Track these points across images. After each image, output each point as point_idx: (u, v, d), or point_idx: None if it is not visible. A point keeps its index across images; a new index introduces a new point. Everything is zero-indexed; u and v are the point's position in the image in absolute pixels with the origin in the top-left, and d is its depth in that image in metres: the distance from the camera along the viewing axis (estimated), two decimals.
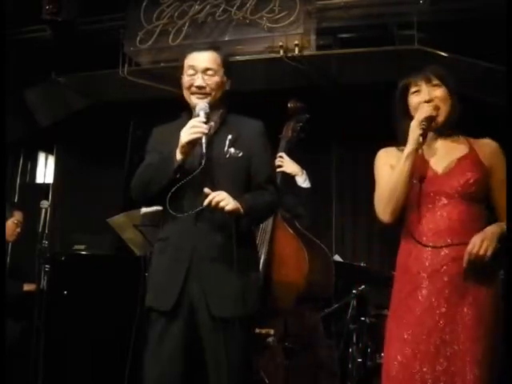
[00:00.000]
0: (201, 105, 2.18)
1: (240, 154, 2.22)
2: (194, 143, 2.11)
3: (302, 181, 3.08)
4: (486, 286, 1.94)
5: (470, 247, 1.87)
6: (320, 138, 4.46)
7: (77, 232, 5.35)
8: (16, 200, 5.94)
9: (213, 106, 2.25)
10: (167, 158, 2.17)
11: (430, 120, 1.98)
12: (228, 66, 2.33)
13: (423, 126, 1.96)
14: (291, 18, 4.20)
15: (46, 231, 3.82)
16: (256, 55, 4.33)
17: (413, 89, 2.06)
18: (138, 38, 4.60)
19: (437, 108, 2.01)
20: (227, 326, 2.09)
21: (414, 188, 2.01)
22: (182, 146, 2.11)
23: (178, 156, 2.12)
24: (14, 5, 4.37)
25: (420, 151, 2.02)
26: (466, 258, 1.88)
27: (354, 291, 3.63)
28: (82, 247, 4.79)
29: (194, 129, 2.11)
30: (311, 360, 2.93)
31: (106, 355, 4.05)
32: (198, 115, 2.16)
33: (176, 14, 4.50)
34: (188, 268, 2.13)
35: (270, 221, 2.95)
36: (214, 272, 2.12)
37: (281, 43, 4.24)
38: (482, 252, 1.85)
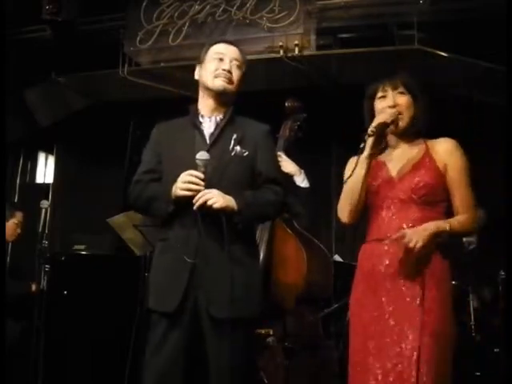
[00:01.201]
0: (201, 154, 2.10)
1: (245, 154, 2.21)
2: (187, 198, 2.09)
3: (301, 180, 3.07)
4: (436, 287, 1.99)
5: (398, 234, 1.95)
6: (320, 138, 4.46)
7: (77, 232, 5.36)
8: (16, 200, 5.94)
9: (226, 100, 2.26)
10: (162, 196, 2.16)
11: (383, 126, 2.05)
12: (245, 69, 2.34)
13: (373, 132, 2.03)
14: (291, 18, 4.20)
15: (46, 231, 3.83)
16: (256, 55, 4.32)
17: (379, 94, 2.15)
18: (138, 38, 4.60)
19: (399, 114, 2.08)
20: (229, 328, 2.08)
21: (374, 191, 2.11)
22: (176, 197, 2.11)
23: (172, 204, 2.13)
24: (14, 5, 4.37)
25: (380, 156, 2.13)
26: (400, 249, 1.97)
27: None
28: (82, 247, 4.79)
29: (189, 185, 2.08)
30: (311, 360, 2.92)
31: (106, 355, 4.05)
32: (198, 165, 2.10)
33: (176, 14, 4.50)
34: (191, 269, 2.11)
35: (269, 221, 2.94)
36: (215, 273, 2.11)
37: (281, 43, 4.24)
38: (411, 245, 1.92)
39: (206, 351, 2.12)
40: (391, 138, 2.16)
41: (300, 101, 3.20)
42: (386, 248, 2.05)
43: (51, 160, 6.37)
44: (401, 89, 2.11)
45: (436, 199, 2.05)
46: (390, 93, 2.12)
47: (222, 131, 2.23)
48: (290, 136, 3.16)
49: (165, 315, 2.13)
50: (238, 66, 2.27)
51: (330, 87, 4.71)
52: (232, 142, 2.21)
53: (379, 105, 2.13)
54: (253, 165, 2.23)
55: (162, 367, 2.12)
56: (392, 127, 2.08)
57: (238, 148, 2.20)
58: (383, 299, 2.02)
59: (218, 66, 2.24)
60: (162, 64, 4.66)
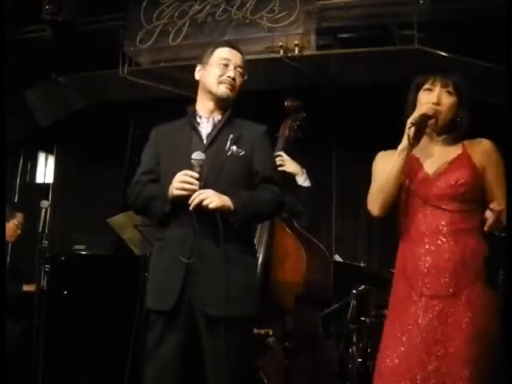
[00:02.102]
0: (197, 154, 2.12)
1: (242, 153, 2.23)
2: (182, 198, 2.11)
3: (303, 180, 3.07)
4: (480, 287, 1.96)
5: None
6: (320, 138, 4.46)
7: (77, 232, 5.36)
8: (16, 200, 5.94)
9: (226, 104, 2.29)
10: (159, 196, 2.18)
11: (425, 118, 2.00)
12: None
13: (415, 122, 1.97)
14: (291, 18, 4.19)
15: (46, 231, 3.81)
16: (256, 55, 4.32)
17: (426, 86, 2.08)
18: (138, 38, 4.59)
19: (440, 113, 2.03)
20: (225, 327, 2.08)
21: (406, 190, 2.05)
22: (172, 197, 2.12)
23: (168, 204, 2.15)
24: (14, 5, 4.37)
25: (415, 153, 2.06)
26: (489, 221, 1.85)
27: (353, 291, 3.62)
28: (82, 247, 4.79)
29: (184, 185, 2.10)
30: (311, 360, 2.92)
31: (106, 355, 4.05)
32: (193, 165, 2.11)
33: (176, 14, 4.50)
34: (187, 268, 2.13)
35: (268, 220, 2.94)
36: (211, 272, 2.12)
37: (281, 43, 4.24)
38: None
39: (202, 350, 2.13)
40: (427, 136, 2.09)
41: (299, 100, 3.20)
42: (426, 247, 2.00)
43: (51, 160, 6.36)
44: (450, 88, 2.05)
45: (474, 198, 2.00)
46: (437, 88, 2.06)
47: (219, 132, 2.26)
48: (290, 135, 3.16)
49: (162, 314, 2.15)
50: (241, 74, 2.31)
51: (330, 87, 4.70)
52: (228, 142, 2.23)
53: (423, 97, 2.07)
54: (249, 165, 2.25)
55: (160, 366, 2.14)
56: (432, 122, 2.02)
57: (234, 148, 2.22)
58: (425, 300, 1.96)
59: (223, 71, 2.27)
60: (162, 64, 4.65)
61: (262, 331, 2.89)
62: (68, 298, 4.22)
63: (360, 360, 3.53)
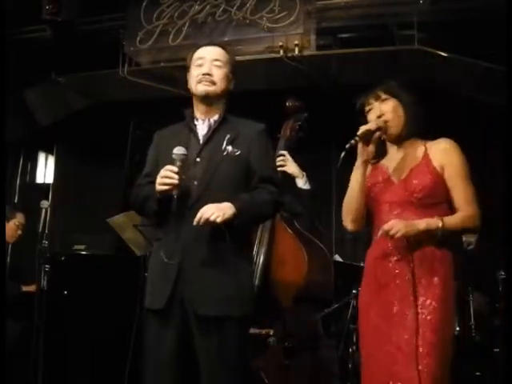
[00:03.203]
0: (178, 149, 2.13)
1: (238, 153, 2.22)
2: (166, 193, 2.12)
3: (303, 183, 3.07)
4: (436, 283, 2.02)
5: (385, 225, 2.00)
6: (320, 138, 4.46)
7: (77, 232, 5.36)
8: (16, 200, 5.94)
9: (215, 101, 2.28)
10: (150, 195, 2.20)
11: (367, 134, 2.11)
12: (234, 66, 2.35)
13: (355, 141, 2.11)
14: (291, 18, 4.19)
15: (46, 231, 3.81)
16: (256, 55, 4.33)
17: (367, 108, 2.21)
18: (138, 38, 4.60)
19: (386, 122, 2.13)
20: (218, 326, 2.10)
21: (375, 196, 2.16)
22: (158, 193, 2.14)
23: (155, 202, 2.18)
24: (14, 5, 4.37)
25: (385, 162, 2.19)
26: (379, 232, 2.02)
27: (353, 291, 3.62)
28: (82, 247, 4.80)
29: (165, 180, 2.11)
30: (311, 360, 2.92)
31: (106, 355, 4.05)
32: (174, 159, 2.12)
33: (176, 14, 4.50)
34: (179, 267, 2.13)
35: (269, 221, 2.94)
36: (203, 271, 2.12)
37: (281, 43, 4.24)
38: (392, 232, 1.98)
39: (196, 349, 2.13)
40: (390, 144, 2.20)
41: (301, 100, 3.20)
42: (390, 247, 2.07)
43: (51, 160, 6.37)
44: (384, 96, 2.16)
45: (436, 201, 2.07)
46: (375, 104, 2.17)
47: (214, 132, 2.26)
48: (292, 136, 3.16)
49: (155, 313, 2.17)
50: (219, 66, 2.28)
51: (330, 87, 4.70)
52: (225, 142, 2.23)
53: (369, 117, 2.19)
54: (246, 164, 2.24)
55: (156, 365, 2.15)
56: (380, 134, 2.13)
57: (229, 148, 2.22)
58: (389, 299, 2.05)
59: (199, 71, 2.27)
60: (162, 64, 4.66)
61: (263, 331, 2.89)
62: (68, 298, 4.22)
63: (360, 360, 3.53)
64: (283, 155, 3.07)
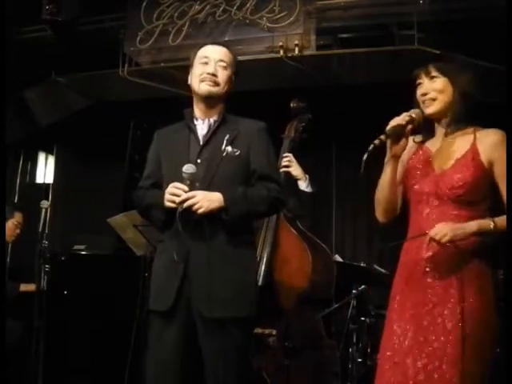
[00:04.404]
0: (187, 168, 2.12)
1: (237, 153, 2.22)
2: (173, 208, 2.12)
3: (305, 186, 3.08)
4: (474, 292, 1.92)
5: (431, 232, 1.89)
6: (320, 139, 4.46)
7: (77, 232, 5.36)
8: (16, 200, 5.93)
9: (216, 101, 2.28)
10: (155, 203, 2.20)
11: (397, 129, 1.97)
12: (237, 67, 2.34)
13: (384, 137, 1.95)
14: (291, 18, 4.19)
15: (46, 231, 3.81)
16: (256, 55, 4.32)
17: (417, 81, 2.06)
18: (138, 38, 4.59)
19: (433, 99, 2.00)
20: (222, 327, 2.10)
21: (414, 184, 2.03)
22: (165, 206, 2.14)
23: (164, 213, 2.18)
24: (14, 5, 4.36)
25: (432, 148, 2.04)
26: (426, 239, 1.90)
27: (353, 291, 3.63)
28: (82, 247, 4.79)
29: (174, 197, 2.11)
30: (312, 360, 2.93)
31: (106, 355, 4.05)
32: (183, 178, 2.12)
33: (176, 14, 4.50)
34: (184, 269, 2.13)
35: (273, 221, 2.95)
36: (207, 272, 2.12)
37: (281, 43, 4.24)
38: (437, 237, 1.86)
39: (200, 350, 2.14)
40: (438, 126, 2.06)
41: (305, 101, 3.20)
42: (425, 245, 1.94)
43: (51, 160, 6.36)
44: (434, 73, 2.00)
45: (477, 198, 1.95)
46: (424, 80, 2.02)
47: (214, 132, 2.26)
48: (296, 136, 3.17)
49: (160, 314, 2.16)
50: (224, 67, 2.27)
51: (330, 87, 4.70)
52: (224, 142, 2.23)
53: (417, 93, 2.05)
54: (246, 164, 2.25)
55: (159, 366, 2.15)
56: (413, 126, 2.00)
57: (229, 148, 2.22)
58: (421, 298, 1.95)
59: (203, 70, 2.26)
60: (162, 64, 4.66)
61: (266, 331, 2.89)
62: (68, 298, 4.22)
63: (360, 360, 3.53)
64: (288, 157, 3.08)
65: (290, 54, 4.25)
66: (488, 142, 1.95)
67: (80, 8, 4.62)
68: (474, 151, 1.95)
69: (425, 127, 2.06)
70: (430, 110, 2.01)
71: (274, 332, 2.91)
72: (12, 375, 3.60)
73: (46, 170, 6.37)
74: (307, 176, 3.09)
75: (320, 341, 3.01)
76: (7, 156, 5.27)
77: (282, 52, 4.25)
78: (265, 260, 2.90)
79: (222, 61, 2.27)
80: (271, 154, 2.34)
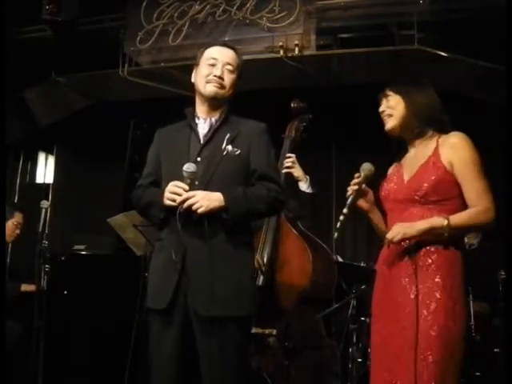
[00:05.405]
0: (188, 166, 2.12)
1: (237, 152, 2.22)
2: (172, 207, 2.13)
3: (306, 187, 3.07)
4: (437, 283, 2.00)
5: (387, 234, 2.03)
6: (320, 139, 4.46)
7: (77, 232, 5.36)
8: (16, 200, 5.94)
9: (219, 103, 2.28)
10: (154, 202, 2.21)
11: (353, 202, 2.22)
12: (241, 70, 2.34)
13: (346, 212, 2.19)
14: (291, 18, 4.20)
15: (46, 231, 3.81)
16: (256, 55, 4.33)
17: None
18: (138, 38, 4.60)
19: (389, 115, 2.16)
20: (218, 326, 2.09)
21: (386, 196, 2.18)
22: (164, 206, 2.15)
23: (163, 212, 2.18)
24: (14, 5, 4.36)
25: (403, 161, 2.20)
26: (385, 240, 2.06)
27: (353, 291, 3.62)
28: (82, 247, 4.79)
29: (174, 196, 2.12)
30: (313, 360, 2.93)
31: (106, 355, 4.05)
32: (184, 177, 2.12)
33: (176, 14, 4.50)
34: (181, 268, 2.13)
35: (274, 221, 2.95)
36: (205, 271, 2.12)
37: (281, 43, 4.24)
38: (390, 237, 2.01)
39: (197, 350, 2.13)
40: (406, 140, 2.20)
41: (305, 102, 3.20)
42: (395, 249, 2.08)
43: (51, 160, 6.36)
44: (388, 92, 2.18)
45: (444, 197, 2.03)
46: (382, 100, 2.20)
47: (215, 131, 2.26)
48: (296, 136, 3.16)
49: (157, 313, 2.16)
50: (231, 71, 2.28)
51: (330, 87, 4.71)
52: (225, 141, 2.23)
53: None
54: (246, 164, 2.25)
55: (158, 364, 2.15)
56: (364, 188, 2.20)
57: (229, 148, 2.22)
58: (393, 299, 2.06)
59: (210, 71, 2.26)
60: (162, 64, 4.66)
61: (266, 331, 2.89)
62: (68, 298, 4.22)
63: (360, 360, 3.53)
64: (291, 157, 3.07)
65: (290, 54, 4.26)
66: (447, 144, 2.07)
67: (80, 8, 4.62)
68: (435, 155, 2.07)
69: (397, 147, 2.22)
70: (389, 125, 2.16)
71: (274, 332, 2.90)
72: (12, 375, 3.60)
73: (46, 170, 6.37)
74: (308, 177, 3.09)
75: (320, 341, 3.01)
76: (7, 156, 5.27)
77: (282, 52, 4.25)
78: (265, 260, 2.90)
79: (229, 64, 2.28)
80: (271, 154, 2.34)
